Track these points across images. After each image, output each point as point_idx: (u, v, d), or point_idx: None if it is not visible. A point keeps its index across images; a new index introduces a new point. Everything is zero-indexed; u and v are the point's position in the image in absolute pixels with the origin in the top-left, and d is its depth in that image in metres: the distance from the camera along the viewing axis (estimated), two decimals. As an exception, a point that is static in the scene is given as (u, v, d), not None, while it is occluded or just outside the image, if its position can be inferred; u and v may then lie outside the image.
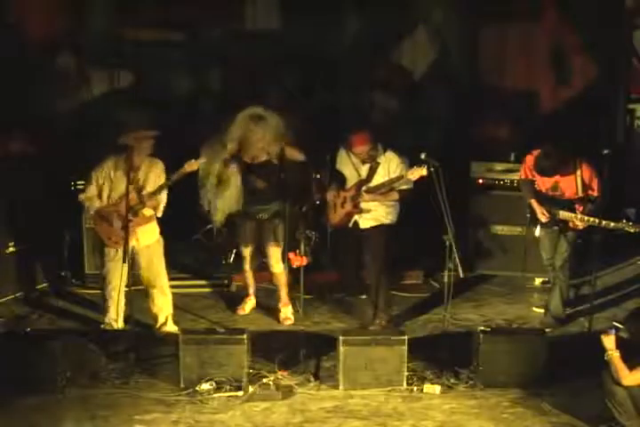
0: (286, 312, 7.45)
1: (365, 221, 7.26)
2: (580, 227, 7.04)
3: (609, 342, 5.48)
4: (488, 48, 9.78)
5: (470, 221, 8.50)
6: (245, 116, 7.10)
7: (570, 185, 7.11)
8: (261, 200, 7.21)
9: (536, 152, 7.19)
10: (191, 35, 9.72)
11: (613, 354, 5.43)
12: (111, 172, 6.93)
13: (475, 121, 9.61)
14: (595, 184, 7.08)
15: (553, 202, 7.19)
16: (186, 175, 6.87)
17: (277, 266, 7.34)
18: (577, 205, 7.10)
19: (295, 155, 7.15)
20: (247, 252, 7.52)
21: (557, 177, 7.10)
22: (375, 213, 7.23)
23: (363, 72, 9.78)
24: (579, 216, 7.01)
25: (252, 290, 7.72)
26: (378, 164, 7.21)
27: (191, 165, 6.84)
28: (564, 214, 7.09)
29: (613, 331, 5.53)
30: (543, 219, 7.24)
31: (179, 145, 9.39)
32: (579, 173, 7.07)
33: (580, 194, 7.08)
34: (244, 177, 7.21)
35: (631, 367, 5.39)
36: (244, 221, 7.39)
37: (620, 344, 5.47)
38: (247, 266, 7.60)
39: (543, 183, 7.23)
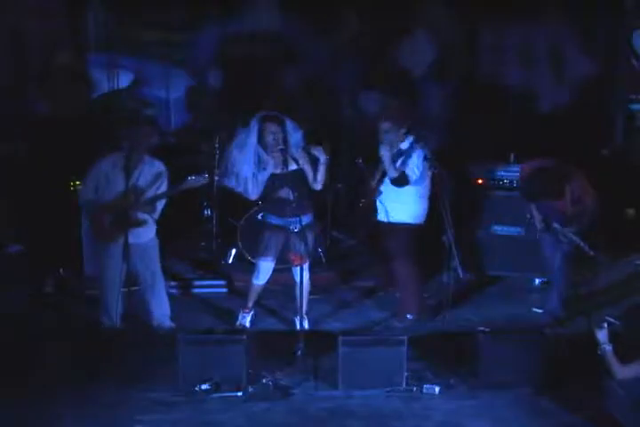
0: (305, 323, 7.16)
1: (384, 215, 7.29)
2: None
3: (602, 336, 5.51)
4: (487, 48, 9.79)
5: (470, 222, 8.50)
6: (261, 117, 6.94)
7: (562, 200, 7.15)
8: (293, 211, 6.87)
9: (527, 167, 7.28)
10: (191, 35, 9.73)
11: (607, 348, 5.47)
12: (109, 168, 6.92)
13: (474, 121, 9.62)
14: (586, 199, 7.11)
15: (550, 210, 7.24)
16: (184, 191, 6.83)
17: (305, 276, 6.97)
18: (568, 218, 7.15)
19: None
20: (268, 266, 7.15)
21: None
22: (395, 210, 7.24)
23: (362, 72, 9.79)
24: (564, 231, 7.08)
25: (251, 303, 7.31)
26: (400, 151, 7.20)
27: (191, 183, 6.76)
28: (556, 227, 7.17)
29: (606, 325, 5.55)
30: (539, 225, 7.42)
31: (178, 145, 9.45)
32: (568, 191, 7.08)
33: (570, 209, 7.12)
34: (272, 187, 6.97)
35: (624, 362, 5.42)
36: (271, 233, 7.07)
37: (615, 339, 5.50)
38: (262, 282, 7.21)
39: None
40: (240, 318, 7.32)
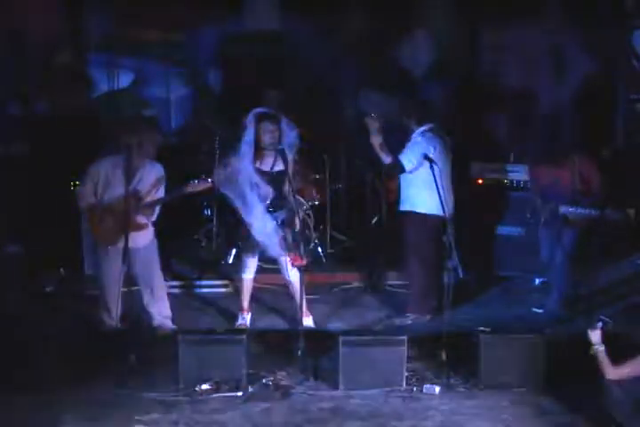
0: (308, 322, 7.18)
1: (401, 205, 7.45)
2: (579, 221, 7.11)
3: (595, 336, 5.51)
4: (488, 48, 9.79)
5: (470, 221, 8.49)
6: (258, 115, 6.91)
7: (568, 179, 7.16)
8: (273, 208, 6.93)
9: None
10: (191, 35, 9.72)
11: (599, 349, 5.47)
12: (108, 170, 6.91)
13: (474, 121, 9.62)
14: (593, 180, 7.14)
15: (555, 196, 7.24)
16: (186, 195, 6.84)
17: (293, 274, 7.03)
18: (577, 200, 7.15)
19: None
20: (254, 262, 7.21)
21: (556, 171, 7.16)
22: (406, 198, 7.36)
23: (362, 72, 9.79)
24: (578, 210, 7.07)
25: (246, 303, 7.33)
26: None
27: (194, 187, 6.78)
28: (565, 209, 7.15)
29: (600, 325, 5.54)
30: (544, 216, 7.38)
31: (178, 146, 9.45)
32: (577, 167, 7.12)
33: (579, 188, 7.14)
34: (255, 184, 6.91)
35: (617, 362, 5.42)
36: (251, 230, 6.99)
37: (607, 339, 5.50)
38: (251, 275, 7.25)
39: (544, 177, 7.29)
40: (240, 318, 7.32)
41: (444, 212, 6.79)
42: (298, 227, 6.96)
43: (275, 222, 6.91)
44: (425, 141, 7.24)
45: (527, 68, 9.79)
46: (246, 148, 6.91)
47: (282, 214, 6.99)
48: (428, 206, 7.19)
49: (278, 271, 7.33)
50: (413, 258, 7.39)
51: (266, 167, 7.00)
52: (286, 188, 6.98)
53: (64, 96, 9.45)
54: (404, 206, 7.41)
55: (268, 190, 6.95)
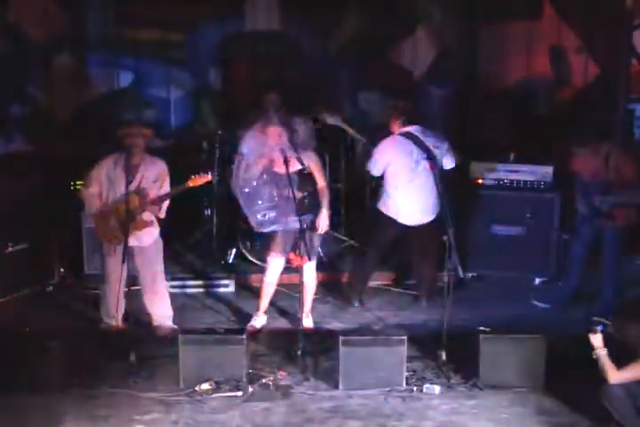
0: (308, 323, 7.21)
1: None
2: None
3: (596, 340, 5.50)
4: (488, 48, 9.80)
5: (470, 221, 8.49)
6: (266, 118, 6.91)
7: (604, 170, 7.22)
8: (295, 210, 6.80)
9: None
10: (191, 35, 9.73)
11: (601, 353, 5.46)
12: (110, 170, 6.92)
13: (474, 121, 9.62)
14: (627, 170, 7.21)
15: (595, 190, 7.26)
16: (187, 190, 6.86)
17: (311, 276, 7.08)
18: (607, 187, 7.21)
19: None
20: (280, 263, 7.14)
21: (595, 162, 7.25)
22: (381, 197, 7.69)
23: (362, 72, 9.79)
24: (606, 199, 7.15)
25: (263, 305, 7.28)
26: None
27: (195, 181, 6.78)
28: (601, 200, 7.20)
29: (601, 328, 5.53)
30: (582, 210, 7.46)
31: (179, 145, 9.46)
32: (605, 151, 7.24)
33: (610, 175, 7.20)
34: (281, 187, 6.90)
35: (619, 366, 5.41)
36: (281, 231, 7.02)
37: (608, 342, 5.49)
38: (273, 279, 7.18)
39: (585, 168, 7.32)
40: (252, 320, 7.27)
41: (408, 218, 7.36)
42: (322, 229, 7.03)
43: (299, 225, 6.78)
44: (390, 147, 7.41)
45: (527, 67, 9.80)
46: (254, 151, 6.91)
47: (308, 217, 6.94)
48: (389, 209, 7.52)
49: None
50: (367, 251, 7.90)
51: (279, 169, 6.91)
52: (309, 188, 6.97)
53: (64, 96, 9.46)
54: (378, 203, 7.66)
55: (288, 191, 6.84)
